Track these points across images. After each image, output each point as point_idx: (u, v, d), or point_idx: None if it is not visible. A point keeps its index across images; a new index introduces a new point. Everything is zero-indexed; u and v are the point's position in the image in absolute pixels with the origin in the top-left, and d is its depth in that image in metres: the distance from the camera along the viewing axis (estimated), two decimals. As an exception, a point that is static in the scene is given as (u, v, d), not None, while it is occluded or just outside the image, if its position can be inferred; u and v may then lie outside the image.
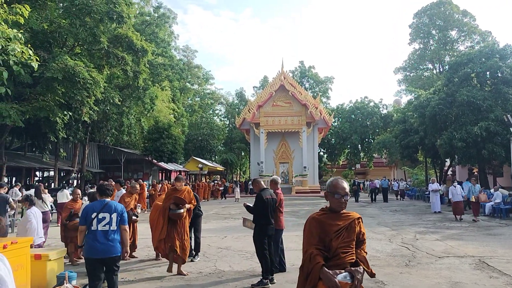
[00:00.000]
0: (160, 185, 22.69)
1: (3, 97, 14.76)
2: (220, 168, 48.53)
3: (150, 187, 22.99)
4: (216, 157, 52.92)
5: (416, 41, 44.38)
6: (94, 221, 4.73)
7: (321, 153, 47.74)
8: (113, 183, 11.58)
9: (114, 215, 4.80)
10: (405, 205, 23.01)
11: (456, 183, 15.64)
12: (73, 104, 17.97)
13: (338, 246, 2.85)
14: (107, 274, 4.80)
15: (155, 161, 34.38)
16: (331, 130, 44.55)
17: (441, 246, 9.30)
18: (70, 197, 10.00)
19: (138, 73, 22.72)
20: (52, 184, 24.77)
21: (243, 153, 52.90)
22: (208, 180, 42.38)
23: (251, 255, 8.03)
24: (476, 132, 18.94)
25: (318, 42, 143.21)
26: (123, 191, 9.84)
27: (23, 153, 26.23)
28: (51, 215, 12.08)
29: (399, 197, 28.97)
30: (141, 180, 18.28)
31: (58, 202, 13.91)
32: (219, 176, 52.18)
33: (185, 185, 7.60)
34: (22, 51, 6.51)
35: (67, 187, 17.83)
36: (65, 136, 20.64)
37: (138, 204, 9.07)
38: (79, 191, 8.81)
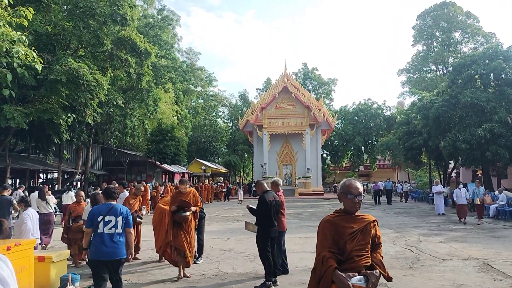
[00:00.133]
0: (163, 187, 22.70)
1: (7, 99, 14.81)
2: (223, 170, 48.55)
3: (153, 189, 23.00)
4: (219, 159, 52.92)
5: (420, 43, 44.19)
6: (100, 224, 4.79)
7: (325, 155, 47.69)
8: (117, 185, 11.59)
9: (119, 218, 4.87)
10: (409, 207, 22.94)
11: (461, 186, 15.58)
12: (76, 106, 18.02)
13: (353, 249, 2.78)
14: (112, 276, 4.85)
15: (159, 163, 34.43)
16: (334, 132, 44.52)
17: (445, 248, 9.25)
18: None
19: (141, 75, 22.76)
20: (56, 186, 24.83)
21: (246, 155, 52.92)
22: (211, 182, 42.38)
23: (254, 257, 8.01)
24: (480, 134, 18.87)
25: (321, 44, 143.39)
26: (127, 193, 9.83)
27: (27, 155, 26.34)
28: (55, 217, 12.12)
29: (403, 199, 28.91)
30: (144, 182, 18.30)
31: (63, 204, 13.97)
32: (222, 178, 52.26)
33: (189, 187, 7.56)
34: (26, 53, 6.55)
35: (72, 189, 17.89)
36: (69, 138, 20.67)
37: (143, 206, 9.08)
38: (82, 193, 8.86)
